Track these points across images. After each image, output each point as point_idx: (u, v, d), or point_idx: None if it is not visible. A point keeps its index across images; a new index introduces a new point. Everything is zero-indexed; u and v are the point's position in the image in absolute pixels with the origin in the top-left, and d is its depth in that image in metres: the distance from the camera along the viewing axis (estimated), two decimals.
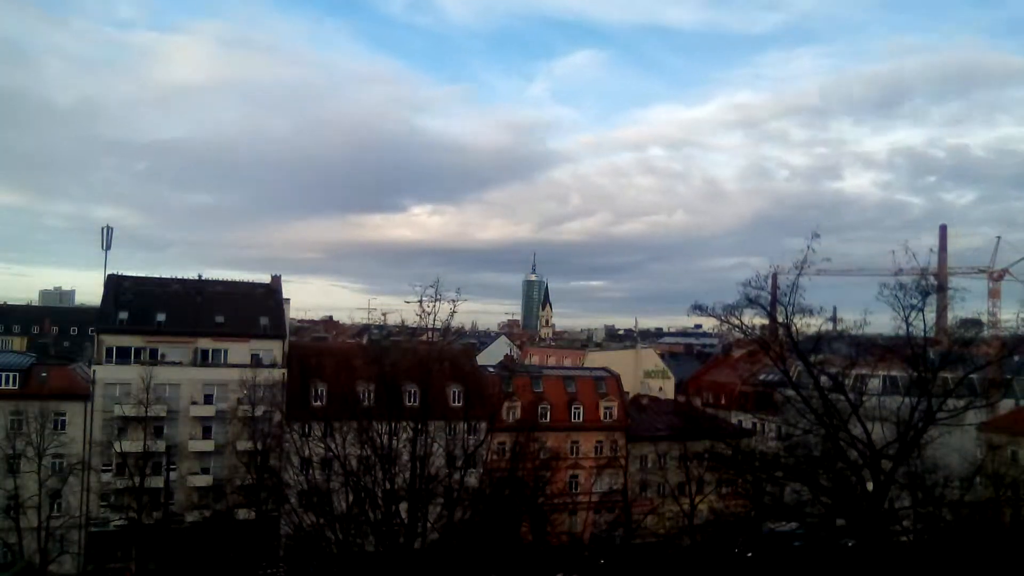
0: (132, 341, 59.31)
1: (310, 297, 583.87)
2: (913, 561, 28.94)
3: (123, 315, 60.71)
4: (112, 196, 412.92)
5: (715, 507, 53.96)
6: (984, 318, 29.51)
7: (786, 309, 26.19)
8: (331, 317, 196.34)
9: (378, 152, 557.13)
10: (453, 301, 24.37)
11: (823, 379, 27.22)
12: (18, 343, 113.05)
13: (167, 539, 51.15)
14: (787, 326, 26.34)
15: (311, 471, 26.88)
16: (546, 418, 65.78)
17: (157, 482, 55.50)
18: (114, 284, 63.25)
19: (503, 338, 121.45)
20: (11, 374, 55.90)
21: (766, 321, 28.90)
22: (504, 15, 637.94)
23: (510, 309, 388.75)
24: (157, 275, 67.10)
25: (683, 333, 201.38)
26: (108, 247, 66.48)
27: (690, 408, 71.67)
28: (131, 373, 56.57)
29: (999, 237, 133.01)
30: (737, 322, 27.30)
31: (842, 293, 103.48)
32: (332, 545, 23.51)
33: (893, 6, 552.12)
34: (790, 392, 28.91)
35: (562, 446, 64.10)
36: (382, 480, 23.40)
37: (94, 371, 57.28)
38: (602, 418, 68.64)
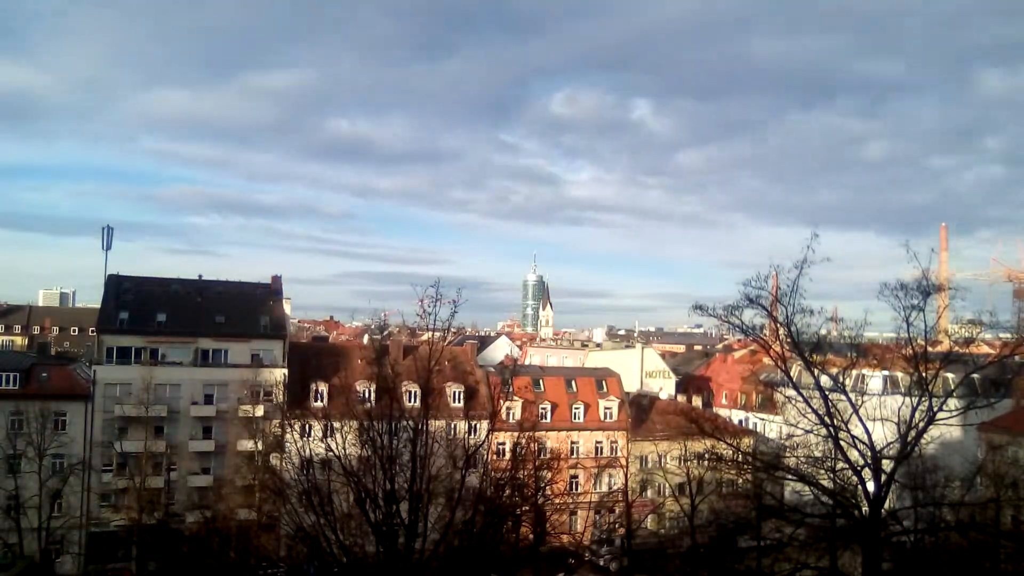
0: (133, 341, 59.37)
1: None
2: (913, 561, 28.93)
3: (123, 315, 60.77)
4: None
5: (715, 507, 53.97)
6: (985, 318, 29.36)
7: (786, 309, 26.15)
8: (331, 317, 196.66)
9: None
10: (454, 301, 24.31)
11: (824, 379, 27.17)
12: (18, 343, 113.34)
13: (167, 539, 51.14)
14: (788, 326, 26.28)
15: (311, 471, 26.87)
16: (547, 418, 65.86)
17: (157, 482, 55.56)
18: (114, 284, 63.29)
19: (503, 338, 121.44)
20: (11, 374, 55.97)
21: (767, 321, 28.84)
22: None
23: (510, 311, 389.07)
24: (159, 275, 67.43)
25: (683, 333, 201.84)
26: (108, 247, 66.40)
27: (690, 408, 71.60)
28: (132, 373, 56.63)
29: None
30: (737, 322, 27.16)
31: None
32: (332, 545, 23.52)
33: None
34: (790, 392, 28.82)
35: (562, 446, 64.18)
36: (382, 480, 23.40)
37: (95, 371, 57.32)
38: (602, 418, 68.72)
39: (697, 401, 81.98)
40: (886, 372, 52.00)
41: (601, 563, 57.66)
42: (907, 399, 26.45)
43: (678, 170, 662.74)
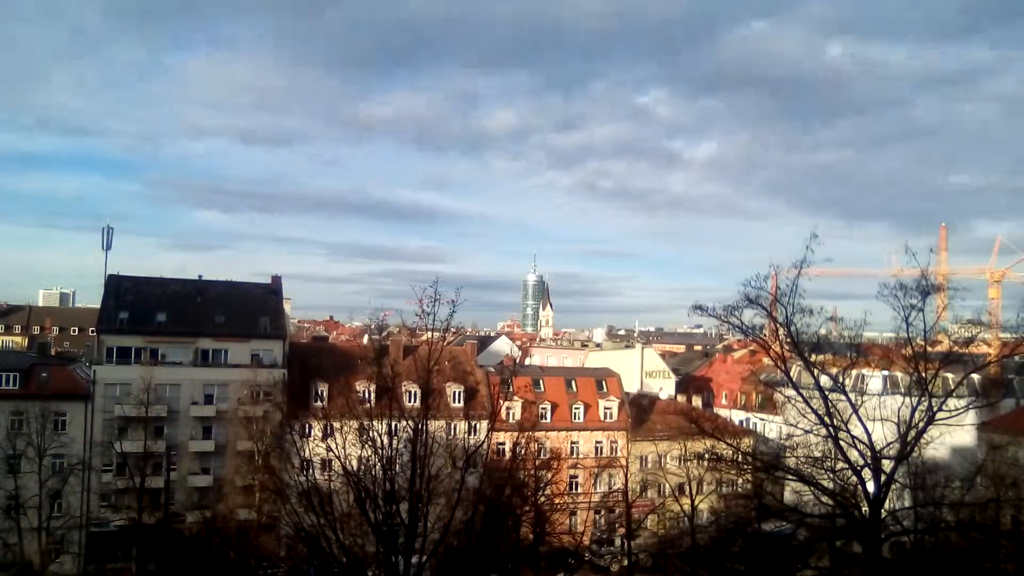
0: (132, 341, 59.32)
1: None
2: (913, 561, 28.94)
3: (123, 315, 60.74)
4: None
5: (715, 507, 54.02)
6: (985, 318, 29.44)
7: (786, 309, 26.18)
8: (331, 317, 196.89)
9: None
10: (453, 301, 24.28)
11: (823, 379, 27.19)
12: (18, 343, 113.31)
13: (167, 539, 51.16)
14: (788, 326, 26.29)
15: (311, 471, 26.87)
16: (546, 418, 65.87)
17: (157, 482, 55.52)
18: (114, 284, 63.27)
19: (503, 338, 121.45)
20: (11, 374, 55.93)
21: (766, 321, 28.86)
22: None
23: (510, 310, 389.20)
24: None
25: (683, 333, 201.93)
26: (108, 247, 66.38)
27: (690, 408, 71.65)
28: (132, 373, 56.59)
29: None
30: (737, 322, 27.18)
31: None
32: (332, 545, 23.52)
33: None
34: (790, 392, 28.85)
35: (562, 446, 64.23)
36: (382, 480, 23.39)
37: (94, 371, 57.31)
38: (602, 418, 68.72)
39: (697, 401, 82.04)
40: (886, 372, 52.02)
41: (601, 563, 57.69)
42: (907, 399, 26.47)
43: (818, 143, 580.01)
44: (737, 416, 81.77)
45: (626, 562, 55.97)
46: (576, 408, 67.93)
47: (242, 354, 61.16)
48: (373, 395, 46.22)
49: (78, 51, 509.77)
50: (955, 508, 30.27)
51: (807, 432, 28.40)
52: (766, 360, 59.00)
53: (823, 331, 27.89)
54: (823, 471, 28.14)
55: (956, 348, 27.75)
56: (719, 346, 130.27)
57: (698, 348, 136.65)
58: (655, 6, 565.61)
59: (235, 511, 51.58)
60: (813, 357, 27.27)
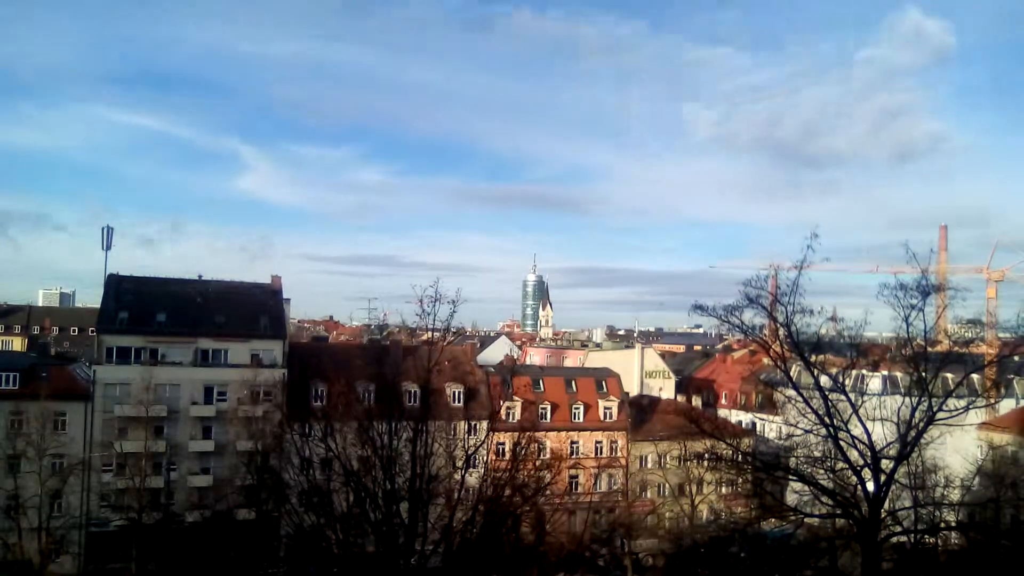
0: (132, 341, 59.25)
1: None
2: (913, 561, 28.94)
3: (123, 315, 60.69)
4: None
5: (715, 507, 54.06)
6: (984, 318, 29.46)
7: (786, 308, 26.20)
8: (331, 317, 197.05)
9: None
10: (453, 301, 24.33)
11: (823, 379, 27.20)
12: (18, 343, 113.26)
13: (167, 539, 51.14)
14: (788, 325, 26.30)
15: (311, 471, 26.86)
16: (546, 418, 65.84)
17: (157, 482, 55.50)
18: (114, 284, 63.23)
19: (503, 338, 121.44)
20: (11, 374, 55.85)
21: (767, 321, 28.86)
22: None
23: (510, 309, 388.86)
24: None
25: (683, 333, 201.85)
26: (108, 247, 66.33)
27: (690, 408, 71.63)
28: (132, 373, 56.57)
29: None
30: (738, 322, 27.18)
31: None
32: (332, 545, 23.53)
33: None
34: (790, 392, 28.86)
35: (562, 446, 64.20)
36: (382, 480, 23.41)
37: (94, 371, 57.29)
38: (602, 418, 68.70)
39: (697, 401, 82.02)
40: (886, 372, 52.03)
41: (601, 563, 57.69)
42: (907, 399, 26.49)
43: None
44: (737, 416, 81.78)
45: (626, 562, 55.98)
46: (576, 408, 67.90)
47: (242, 354, 61.14)
48: (373, 395, 46.24)
49: None
50: (955, 508, 30.28)
51: (807, 432, 28.39)
52: (766, 360, 59.04)
53: (823, 331, 27.90)
54: (823, 471, 28.16)
55: (956, 348, 27.76)
56: (719, 346, 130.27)
57: (698, 348, 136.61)
58: None
59: (235, 511, 51.57)
60: (813, 357, 27.27)
